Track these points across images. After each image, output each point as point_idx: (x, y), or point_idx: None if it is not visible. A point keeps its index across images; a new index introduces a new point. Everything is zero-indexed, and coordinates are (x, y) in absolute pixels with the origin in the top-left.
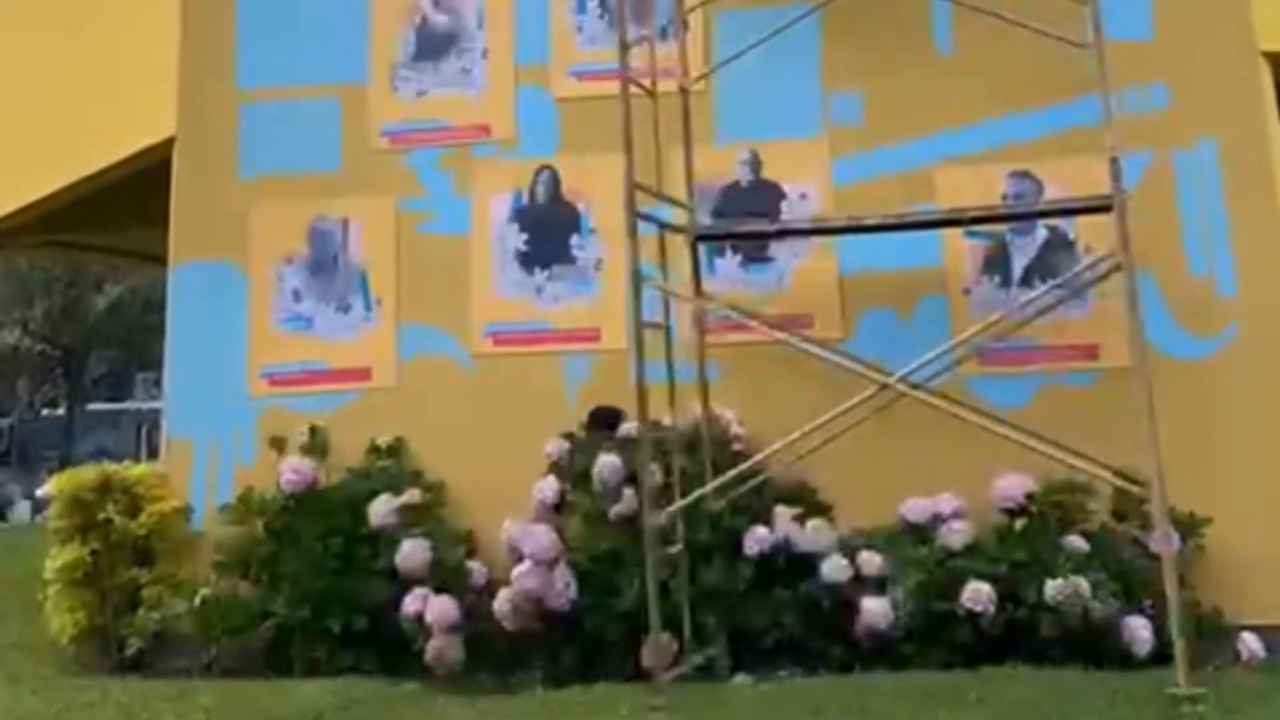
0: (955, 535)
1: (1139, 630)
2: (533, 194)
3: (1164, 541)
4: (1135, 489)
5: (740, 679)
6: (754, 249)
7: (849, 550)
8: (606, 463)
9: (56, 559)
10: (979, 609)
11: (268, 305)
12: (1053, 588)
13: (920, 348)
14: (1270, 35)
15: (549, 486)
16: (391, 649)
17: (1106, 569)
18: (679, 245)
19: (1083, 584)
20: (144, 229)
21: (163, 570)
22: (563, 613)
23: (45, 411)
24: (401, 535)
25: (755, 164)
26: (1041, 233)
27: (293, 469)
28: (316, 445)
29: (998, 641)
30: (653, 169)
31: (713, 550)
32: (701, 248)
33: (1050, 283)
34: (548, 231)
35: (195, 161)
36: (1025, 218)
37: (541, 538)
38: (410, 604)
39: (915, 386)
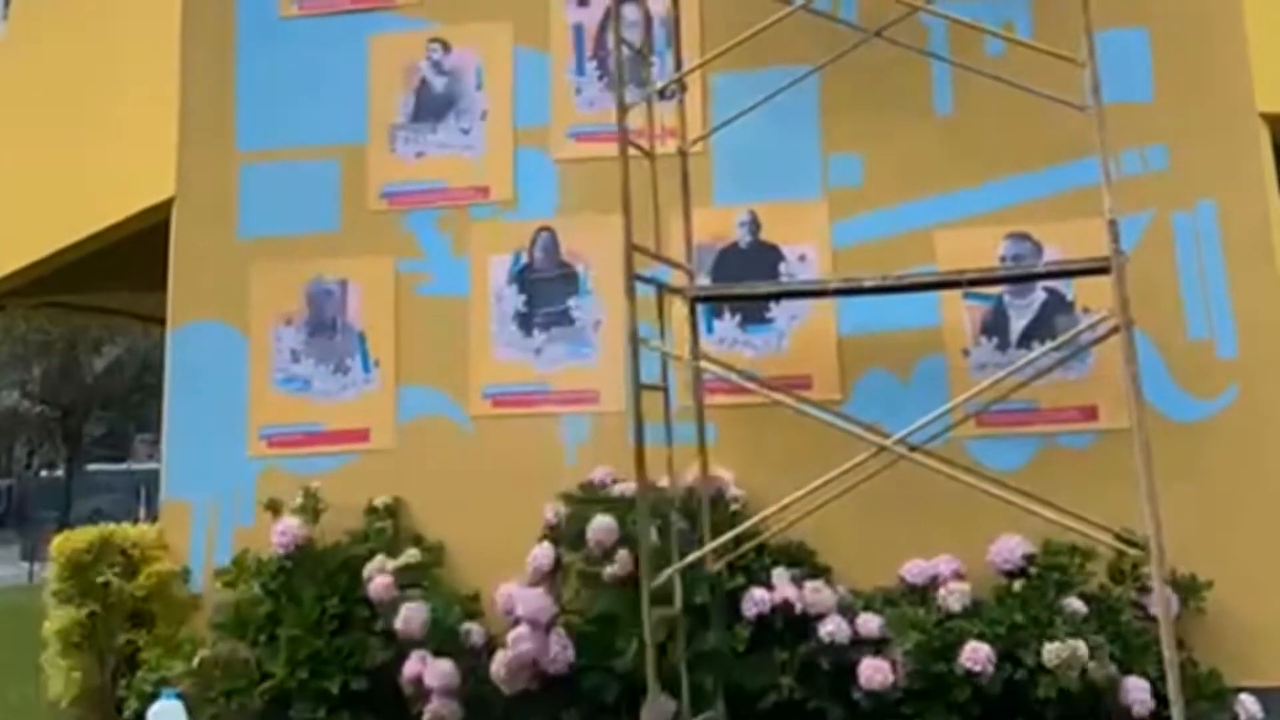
0: (954, 597)
1: (1137, 692)
2: (531, 255)
3: (1163, 604)
4: (1134, 551)
5: None
6: (752, 310)
7: (848, 611)
8: (601, 524)
9: (55, 621)
10: (978, 670)
11: (266, 366)
12: (1050, 651)
13: (919, 409)
14: (1269, 97)
15: (544, 553)
16: (390, 710)
17: (1105, 631)
18: (677, 306)
19: (1080, 647)
20: (143, 290)
21: (161, 632)
22: (560, 675)
23: (44, 473)
24: (399, 597)
25: (754, 225)
26: (1040, 294)
27: (281, 530)
28: (311, 506)
29: (996, 702)
30: (651, 230)
31: (710, 611)
32: (700, 308)
33: (1049, 344)
34: (546, 293)
35: (194, 222)
36: (1024, 279)
37: (536, 600)
38: (410, 666)
39: (914, 448)
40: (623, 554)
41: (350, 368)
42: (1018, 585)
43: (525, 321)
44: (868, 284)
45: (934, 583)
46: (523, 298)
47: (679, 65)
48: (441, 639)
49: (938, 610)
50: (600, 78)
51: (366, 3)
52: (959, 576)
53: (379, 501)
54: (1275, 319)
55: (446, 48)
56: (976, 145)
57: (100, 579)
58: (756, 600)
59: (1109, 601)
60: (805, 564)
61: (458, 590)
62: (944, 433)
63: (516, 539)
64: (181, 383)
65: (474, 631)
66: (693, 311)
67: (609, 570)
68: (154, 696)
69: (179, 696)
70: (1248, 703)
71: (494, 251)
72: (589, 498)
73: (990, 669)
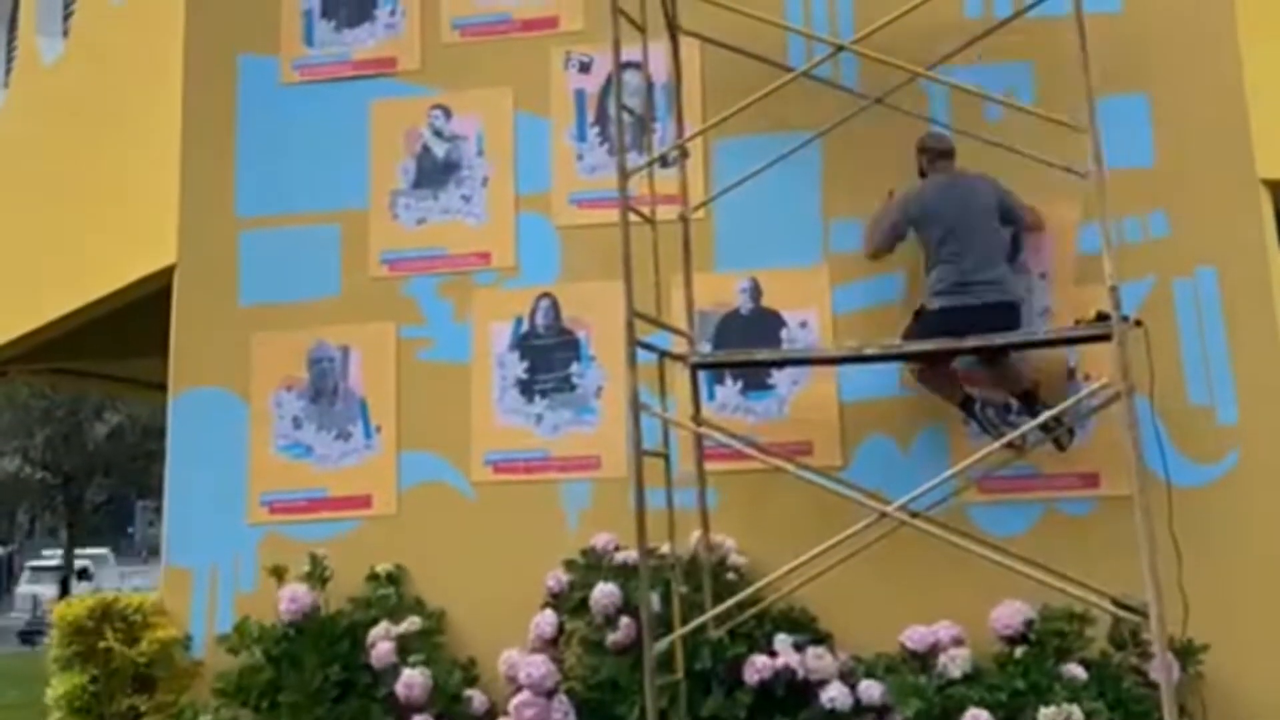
0: (954, 663)
1: None
2: (533, 321)
3: (1165, 672)
4: (1134, 617)
5: None
6: (754, 376)
7: (849, 678)
8: (604, 591)
9: (57, 687)
10: None
11: (267, 432)
12: (1045, 716)
13: (920, 476)
14: (1270, 163)
15: (546, 621)
16: None
17: (1105, 698)
18: (679, 372)
19: (1075, 711)
20: (144, 356)
21: (163, 698)
22: None
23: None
24: (401, 663)
25: (755, 292)
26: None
27: (290, 598)
28: (316, 573)
29: None
30: (652, 296)
31: (712, 678)
32: (701, 375)
33: (1050, 411)
34: (548, 359)
35: (195, 289)
36: (1025, 346)
37: (538, 667)
38: None
39: (915, 515)
40: (625, 621)
41: (352, 434)
42: (1018, 651)
43: (527, 388)
44: (869, 351)
45: (935, 649)
46: (524, 364)
47: (680, 131)
48: (443, 705)
49: (938, 677)
50: (602, 143)
51: (368, 69)
52: (959, 643)
53: (381, 568)
54: (1276, 385)
55: (448, 114)
56: None
57: (102, 645)
58: (758, 667)
59: (1109, 668)
60: (807, 630)
61: (460, 656)
62: (945, 499)
63: (518, 605)
64: (183, 449)
65: (476, 698)
66: (694, 378)
67: (611, 637)
68: None
69: None
70: None
71: (495, 318)
72: (591, 564)
73: None
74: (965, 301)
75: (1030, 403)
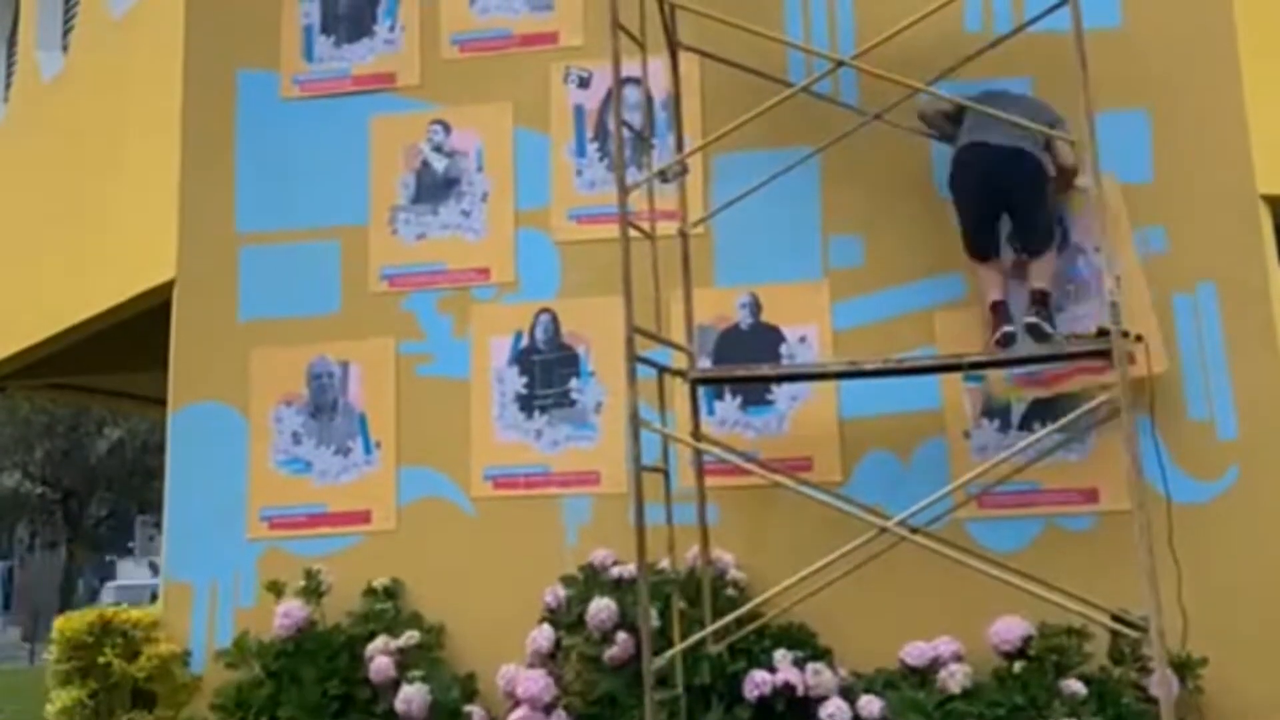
0: (954, 679)
1: None
2: (532, 337)
3: (1164, 687)
4: (1134, 633)
5: None
6: (753, 391)
7: (849, 693)
8: (600, 606)
9: (56, 702)
10: None
11: (267, 448)
12: None
13: (920, 491)
14: (1270, 178)
15: (543, 635)
16: None
17: (1105, 713)
18: (678, 387)
19: None
20: (144, 371)
21: (162, 713)
22: None
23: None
24: (400, 678)
25: (755, 307)
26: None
27: (284, 613)
28: (314, 588)
29: None
30: (652, 312)
31: (711, 694)
32: (701, 390)
33: (1050, 426)
34: (547, 374)
35: (195, 304)
36: (1025, 362)
37: (536, 682)
38: None
39: (915, 530)
40: (622, 636)
41: (351, 449)
42: (1018, 667)
43: (526, 403)
44: (869, 367)
45: (934, 664)
46: (524, 379)
47: (680, 147)
48: None
49: (938, 692)
50: (601, 159)
51: (367, 84)
52: (959, 658)
53: (379, 583)
54: (1276, 400)
55: (447, 129)
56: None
57: (101, 660)
58: (758, 682)
59: (1109, 683)
60: (806, 646)
61: (458, 671)
62: (945, 515)
63: (517, 620)
64: (182, 465)
65: (475, 713)
66: (694, 393)
67: (609, 653)
68: None
69: None
70: None
71: (495, 333)
72: (589, 580)
73: None
74: (983, 138)
75: (1043, 303)
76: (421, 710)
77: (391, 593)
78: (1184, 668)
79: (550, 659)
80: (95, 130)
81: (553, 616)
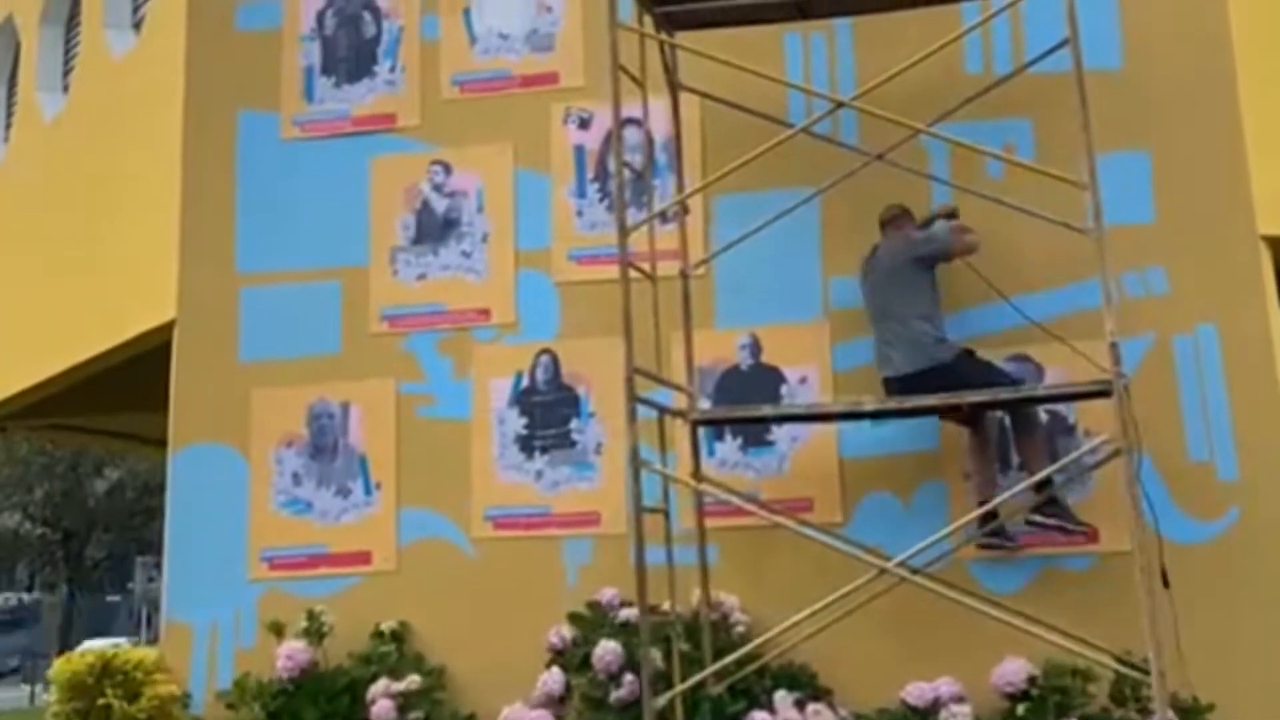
0: (955, 719)
1: None
2: (533, 378)
3: None
4: (1135, 674)
5: None
6: (754, 432)
7: None
8: (607, 648)
9: None
10: None
11: (267, 489)
12: None
13: (920, 532)
14: (1270, 219)
15: (554, 679)
16: None
17: None
18: (679, 428)
19: None
20: (144, 412)
21: None
22: None
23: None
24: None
25: (755, 348)
26: (1042, 417)
27: (287, 654)
28: (314, 629)
29: None
30: (652, 352)
31: None
32: (701, 431)
33: (1050, 467)
34: (547, 415)
35: (195, 345)
36: (1025, 402)
37: None
38: None
39: (915, 571)
40: (629, 678)
41: (352, 490)
42: (1020, 708)
43: (526, 444)
44: (868, 407)
45: (936, 705)
46: (524, 420)
47: (680, 187)
48: None
49: None
50: (602, 200)
51: (368, 125)
52: (960, 699)
53: (385, 626)
54: (1276, 441)
55: (448, 170)
56: (977, 267)
57: (101, 701)
58: None
59: None
60: (807, 686)
61: (459, 711)
62: (946, 555)
63: (518, 661)
64: (182, 505)
65: None
66: (694, 434)
67: (615, 694)
68: None
69: None
70: None
71: (495, 374)
72: (596, 620)
73: None
74: (885, 373)
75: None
76: None
77: (398, 636)
78: (1189, 714)
79: (559, 703)
80: (96, 170)
81: (560, 658)
